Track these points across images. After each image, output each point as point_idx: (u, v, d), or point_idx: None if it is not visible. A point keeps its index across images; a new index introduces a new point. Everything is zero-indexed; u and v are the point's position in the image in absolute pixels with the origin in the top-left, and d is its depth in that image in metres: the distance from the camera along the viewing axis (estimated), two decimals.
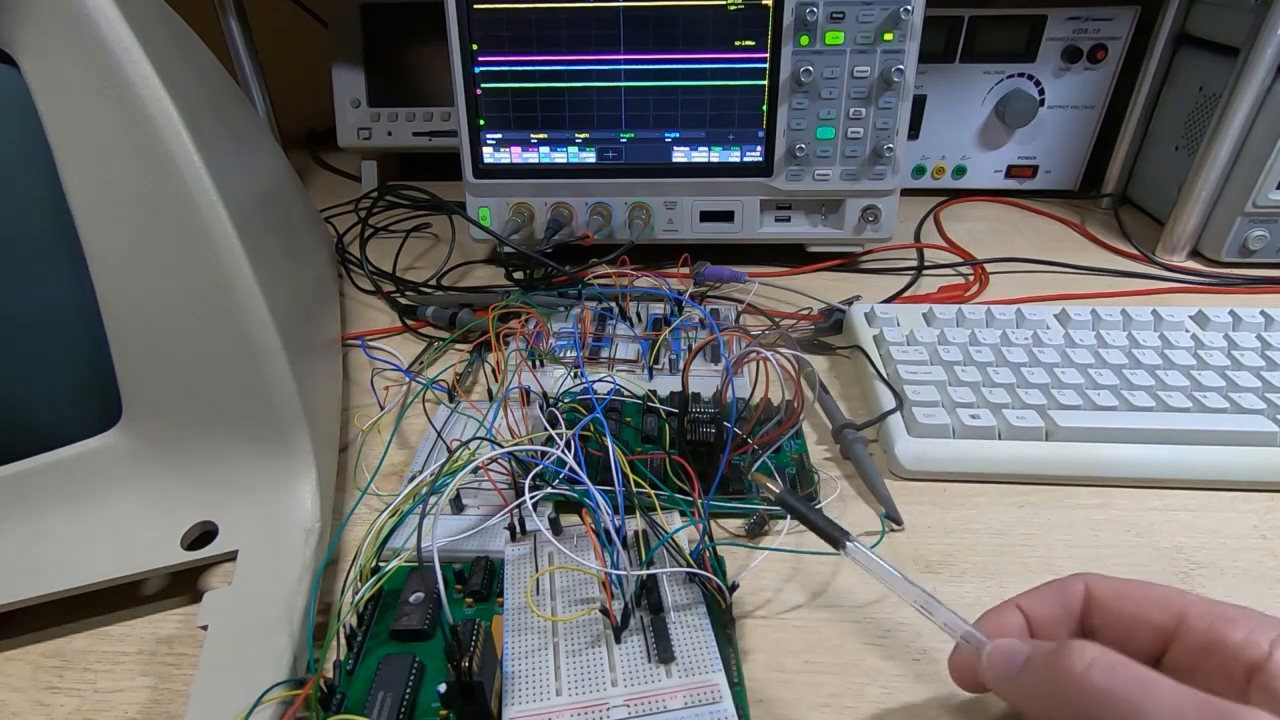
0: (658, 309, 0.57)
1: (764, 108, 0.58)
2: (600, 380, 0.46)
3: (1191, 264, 0.66)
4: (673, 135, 0.60)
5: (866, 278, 0.65)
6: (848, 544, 0.30)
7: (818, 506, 0.39)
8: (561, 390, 0.44)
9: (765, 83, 0.57)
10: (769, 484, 0.33)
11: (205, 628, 0.31)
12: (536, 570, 0.34)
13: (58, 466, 0.36)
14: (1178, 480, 0.40)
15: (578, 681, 0.28)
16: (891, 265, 0.66)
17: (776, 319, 0.56)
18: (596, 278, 0.59)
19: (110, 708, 0.31)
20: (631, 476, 0.35)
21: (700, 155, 0.60)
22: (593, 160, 0.61)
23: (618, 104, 0.59)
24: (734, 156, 0.60)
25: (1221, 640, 0.22)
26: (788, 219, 0.63)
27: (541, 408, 0.42)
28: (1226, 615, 0.22)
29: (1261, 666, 0.21)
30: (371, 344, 0.55)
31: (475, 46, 0.58)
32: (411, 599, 0.33)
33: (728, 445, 0.36)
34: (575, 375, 0.46)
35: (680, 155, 0.60)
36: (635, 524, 0.35)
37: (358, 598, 0.32)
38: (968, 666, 0.26)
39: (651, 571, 0.32)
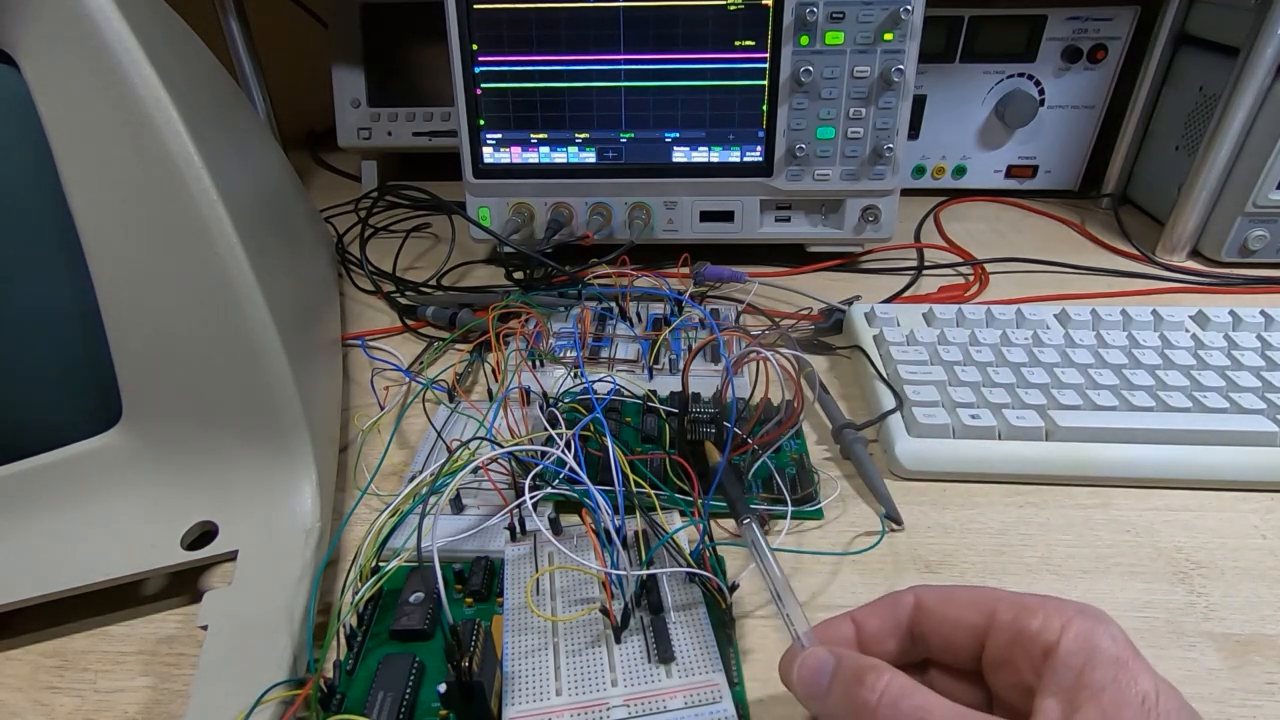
0: (658, 309, 0.57)
1: (764, 108, 0.58)
2: (600, 380, 0.46)
3: (1191, 264, 0.66)
4: (673, 135, 0.60)
5: (866, 278, 0.65)
6: (745, 521, 0.33)
7: (818, 506, 0.39)
8: (561, 390, 0.44)
9: (765, 83, 0.57)
10: (714, 451, 0.36)
11: (205, 628, 0.31)
12: (536, 570, 0.34)
13: (58, 466, 0.36)
14: (1178, 480, 0.40)
15: (578, 681, 0.28)
16: (891, 265, 0.66)
17: (776, 319, 0.56)
18: (596, 278, 0.59)
19: (110, 708, 0.31)
20: (631, 476, 0.35)
21: (700, 155, 0.60)
22: (593, 160, 0.61)
23: (618, 104, 0.59)
24: (734, 156, 0.60)
25: (1023, 630, 0.23)
26: (788, 219, 0.63)
27: (541, 408, 0.42)
28: (1027, 606, 0.23)
29: (1053, 649, 0.22)
30: (371, 344, 0.55)
31: (475, 46, 0.58)
32: (411, 599, 0.33)
33: (728, 445, 0.36)
34: (575, 375, 0.46)
35: (680, 155, 0.60)
36: (635, 524, 0.35)
37: (358, 598, 0.32)
38: (791, 669, 0.26)
39: (651, 571, 0.32)
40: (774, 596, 0.29)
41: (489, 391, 0.48)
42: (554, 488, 0.38)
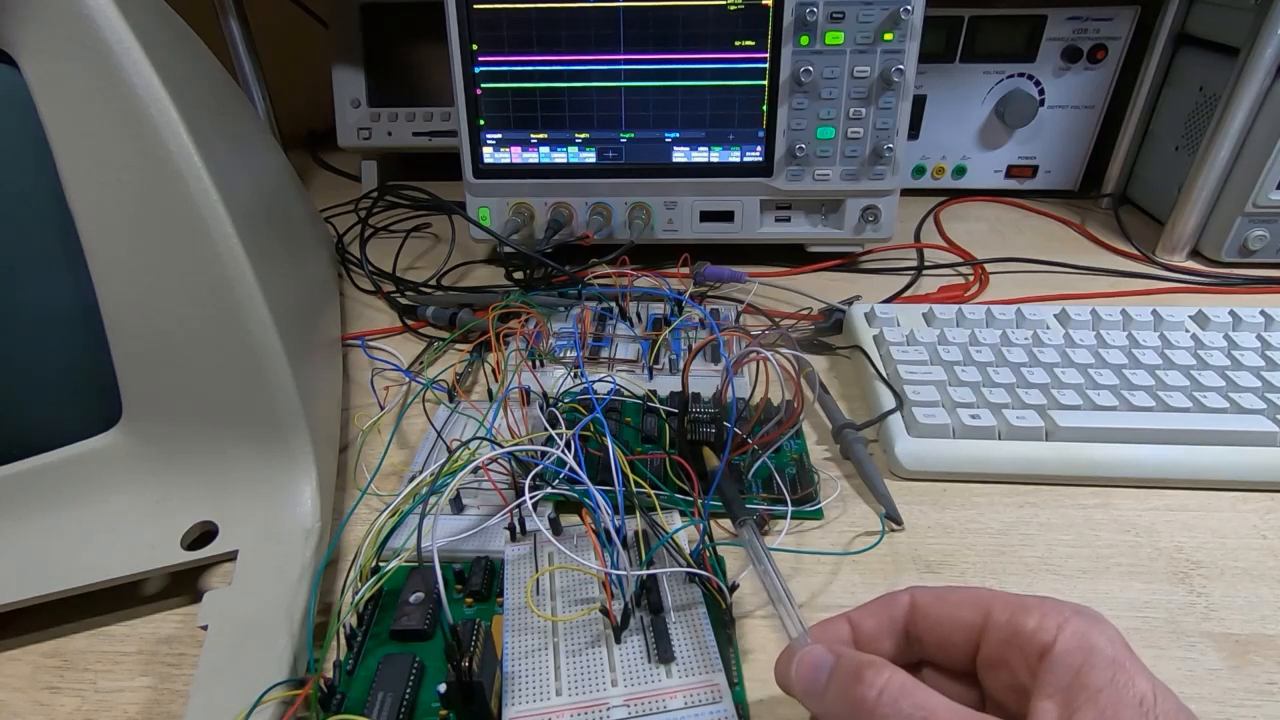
0: (658, 309, 0.57)
1: (764, 108, 0.58)
2: (600, 380, 0.46)
3: (1191, 264, 0.66)
4: (673, 135, 0.60)
5: (866, 278, 0.65)
6: (741, 523, 0.33)
7: (818, 506, 0.39)
8: (561, 390, 0.44)
9: (765, 83, 0.57)
10: (712, 457, 0.37)
11: (205, 628, 0.31)
12: (536, 570, 0.34)
13: (58, 466, 0.36)
14: (1178, 480, 0.40)
15: (578, 681, 0.28)
16: (891, 265, 0.66)
17: (776, 319, 0.56)
18: (596, 278, 0.59)
19: (110, 708, 0.31)
20: (631, 476, 0.35)
21: (700, 155, 0.60)
22: (593, 160, 0.61)
23: (618, 104, 0.59)
24: (734, 156, 0.60)
25: (1018, 630, 0.23)
26: (788, 219, 0.63)
27: (541, 408, 0.42)
28: (1024, 605, 0.23)
29: (1049, 649, 0.22)
30: (371, 344, 0.55)
31: (475, 46, 0.58)
32: (411, 599, 0.33)
33: (728, 445, 0.36)
34: (575, 375, 0.46)
35: (680, 155, 0.60)
36: (635, 524, 0.35)
37: (358, 598, 0.32)
38: (788, 667, 0.26)
39: (651, 571, 0.32)
40: (771, 598, 0.29)
41: (489, 391, 0.48)
42: (554, 488, 0.38)
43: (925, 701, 0.21)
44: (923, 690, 0.22)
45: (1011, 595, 0.24)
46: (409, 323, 0.58)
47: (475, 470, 0.38)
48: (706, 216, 0.63)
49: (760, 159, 0.60)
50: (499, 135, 0.61)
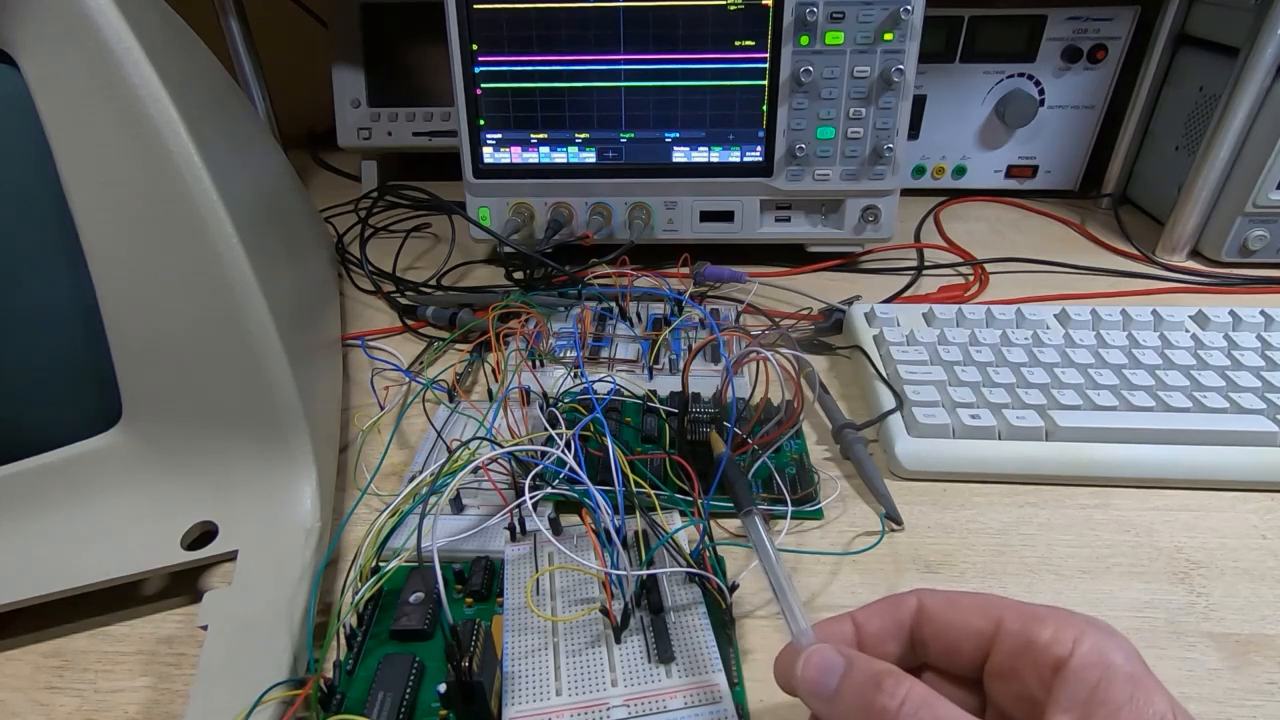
0: (658, 309, 0.57)
1: (764, 108, 0.58)
2: (600, 380, 0.46)
3: (1191, 264, 0.66)
4: (673, 135, 0.60)
5: (866, 278, 0.65)
6: (747, 513, 0.32)
7: (818, 506, 0.39)
8: (561, 390, 0.44)
9: (765, 83, 0.57)
10: (719, 442, 0.37)
11: (205, 628, 0.31)
12: (536, 570, 0.34)
13: (58, 466, 0.36)
14: (1178, 480, 0.40)
15: (578, 681, 0.28)
16: (891, 265, 0.66)
17: (776, 319, 0.56)
18: (596, 278, 0.59)
19: (110, 708, 0.31)
20: (631, 476, 0.35)
21: (700, 155, 0.60)
22: (593, 160, 0.61)
23: (618, 104, 0.59)
24: (734, 156, 0.60)
25: (1032, 641, 0.22)
26: (788, 219, 0.63)
27: (541, 408, 0.42)
28: (1037, 616, 0.23)
29: (1065, 662, 0.21)
30: (371, 344, 0.55)
31: (475, 46, 0.58)
32: (411, 599, 0.33)
33: (728, 445, 0.36)
34: (575, 375, 0.46)
35: (680, 155, 0.60)
36: (635, 524, 0.35)
37: (358, 598, 0.32)
38: (791, 666, 0.25)
39: (651, 571, 0.32)
40: (774, 592, 0.29)
41: (489, 391, 0.48)
42: (554, 488, 0.38)
43: (946, 714, 0.21)
44: (943, 703, 0.21)
45: (1023, 604, 0.24)
46: (409, 323, 0.58)
47: (475, 470, 0.38)
48: (706, 216, 0.63)
49: (760, 159, 0.60)
50: (499, 135, 0.61)
